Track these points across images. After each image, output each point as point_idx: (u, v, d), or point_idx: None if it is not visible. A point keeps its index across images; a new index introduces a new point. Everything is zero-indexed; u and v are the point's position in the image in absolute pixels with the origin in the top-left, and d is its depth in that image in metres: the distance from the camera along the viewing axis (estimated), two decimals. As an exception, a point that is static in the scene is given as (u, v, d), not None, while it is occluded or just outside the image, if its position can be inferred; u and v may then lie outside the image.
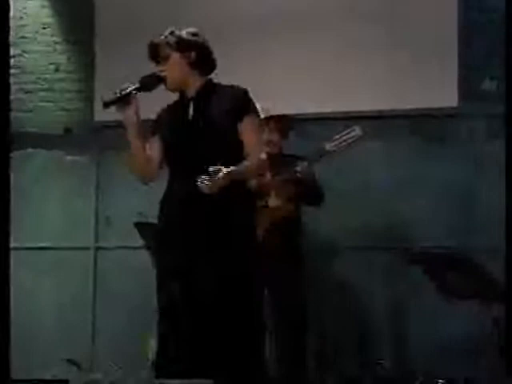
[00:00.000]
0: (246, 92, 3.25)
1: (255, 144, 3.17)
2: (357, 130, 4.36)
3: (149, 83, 3.16)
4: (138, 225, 4.67)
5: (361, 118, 4.90)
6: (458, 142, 5.25)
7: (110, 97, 3.06)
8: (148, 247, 4.64)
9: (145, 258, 5.20)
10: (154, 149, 3.22)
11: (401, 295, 5.19)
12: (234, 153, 3.16)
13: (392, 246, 5.20)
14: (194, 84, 3.21)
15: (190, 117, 3.23)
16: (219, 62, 3.32)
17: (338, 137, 4.34)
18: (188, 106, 3.24)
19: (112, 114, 5.60)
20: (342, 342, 5.20)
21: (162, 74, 3.18)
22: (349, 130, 4.36)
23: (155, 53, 3.22)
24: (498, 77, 5.05)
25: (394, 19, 5.28)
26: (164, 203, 3.25)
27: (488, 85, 5.18)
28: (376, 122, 5.08)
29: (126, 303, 5.50)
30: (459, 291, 4.32)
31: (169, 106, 3.34)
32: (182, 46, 3.19)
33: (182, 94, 3.26)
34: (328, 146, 4.31)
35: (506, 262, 3.28)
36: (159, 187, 5.43)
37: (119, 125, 5.64)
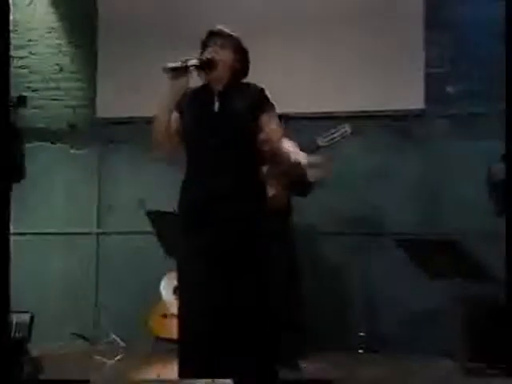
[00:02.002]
0: (263, 90, 3.34)
1: (279, 138, 3.30)
2: (346, 128, 4.57)
3: (205, 64, 3.24)
4: (149, 213, 4.82)
5: (338, 118, 5.14)
6: (424, 139, 5.60)
7: (174, 64, 3.15)
8: (158, 234, 4.80)
9: (143, 243, 5.64)
10: (175, 126, 3.26)
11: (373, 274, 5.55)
12: (251, 145, 3.26)
13: (366, 231, 5.53)
14: (223, 80, 3.29)
15: (217, 109, 3.27)
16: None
17: (329, 133, 4.52)
18: (214, 99, 3.28)
19: (112, 111, 6.09)
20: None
21: (218, 58, 3.24)
22: (339, 128, 4.56)
23: (222, 41, 3.30)
24: (458, 82, 5.49)
25: (368, 30, 5.56)
26: (186, 186, 3.27)
27: (450, 89, 5.54)
28: (352, 121, 5.11)
29: (125, 283, 5.76)
30: (440, 271, 4.57)
31: (193, 93, 3.33)
32: (239, 46, 3.33)
33: (208, 86, 3.31)
34: (320, 142, 4.49)
35: (506, 262, 3.48)
36: (157, 178, 5.88)
37: (119, 121, 6.11)
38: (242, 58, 3.36)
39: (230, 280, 3.14)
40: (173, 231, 4.34)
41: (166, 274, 5.40)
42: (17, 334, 4.24)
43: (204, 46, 3.32)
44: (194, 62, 3.17)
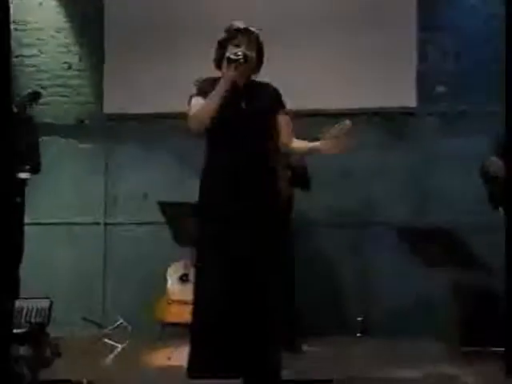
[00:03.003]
0: (278, 89, 3.52)
1: (290, 134, 3.46)
2: (347, 123, 4.85)
3: (246, 60, 3.31)
4: (161, 204, 4.91)
5: (337, 115, 5.04)
6: (416, 136, 5.82)
7: (233, 56, 3.26)
8: (169, 223, 4.94)
9: (147, 233, 5.92)
10: None
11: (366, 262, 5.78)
12: (270, 137, 3.43)
13: (361, 222, 5.75)
14: (246, 74, 3.41)
15: (244, 104, 3.41)
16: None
17: (330, 129, 4.83)
18: (241, 95, 3.42)
19: (119, 108, 6.24)
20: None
21: (251, 56, 3.36)
22: (341, 123, 4.85)
23: (248, 37, 3.40)
24: (448, 82, 5.73)
25: (362, 31, 5.73)
26: (208, 174, 3.41)
27: (440, 88, 5.78)
28: (349, 118, 5.37)
29: (130, 271, 5.96)
30: (436, 260, 4.74)
31: (212, 81, 3.40)
32: (259, 42, 3.45)
33: (233, 83, 3.38)
34: (322, 137, 4.78)
35: (506, 264, 3.59)
36: (160, 171, 6.02)
37: (124, 117, 6.24)
38: (260, 53, 3.48)
39: (250, 266, 3.28)
40: (183, 220, 4.73)
41: (171, 264, 5.60)
42: (37, 319, 4.32)
43: (228, 41, 3.41)
44: (248, 54, 3.31)
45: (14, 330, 3.99)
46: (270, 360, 3.38)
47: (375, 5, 5.83)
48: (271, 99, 3.49)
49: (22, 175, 4.29)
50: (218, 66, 3.48)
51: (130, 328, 5.73)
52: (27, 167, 4.46)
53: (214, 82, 3.41)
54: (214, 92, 3.31)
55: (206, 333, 3.33)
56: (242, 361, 3.31)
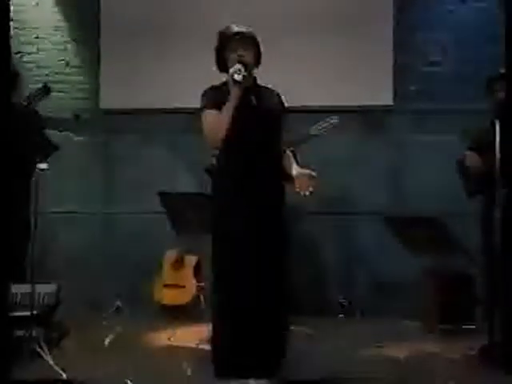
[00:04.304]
0: (279, 93, 3.69)
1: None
2: (334, 119, 4.96)
3: (246, 70, 3.47)
4: (161, 194, 5.01)
5: (321, 112, 5.49)
6: (393, 130, 6.09)
7: (238, 78, 3.40)
8: (168, 213, 5.03)
9: (142, 222, 6.11)
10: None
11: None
12: (279, 136, 3.60)
13: (343, 209, 6.02)
14: (249, 78, 3.54)
15: (254, 103, 3.55)
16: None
17: (320, 124, 4.94)
18: (250, 94, 3.54)
19: (113, 103, 6.36)
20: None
21: (246, 60, 3.48)
22: (328, 119, 4.97)
23: (244, 40, 3.51)
24: (422, 83, 6.00)
25: (348, 35, 5.96)
26: (223, 173, 3.54)
27: (415, 88, 6.05)
28: (333, 114, 5.32)
29: (128, 258, 6.14)
30: (421, 247, 4.92)
31: (218, 89, 3.54)
32: (257, 43, 3.57)
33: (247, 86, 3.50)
34: (312, 131, 4.93)
35: (505, 268, 3.65)
36: (151, 163, 6.18)
37: (119, 112, 6.34)
38: (258, 51, 3.61)
39: (265, 253, 3.48)
40: (181, 209, 4.86)
41: (166, 251, 5.88)
42: (47, 302, 4.51)
43: (226, 43, 3.53)
44: (247, 62, 3.48)
45: (26, 313, 4.29)
46: (284, 344, 3.61)
47: (355, 7, 6.03)
48: (278, 100, 3.67)
49: (42, 166, 4.36)
50: (221, 70, 3.62)
51: (127, 311, 5.96)
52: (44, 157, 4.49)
53: (218, 89, 3.57)
54: (224, 110, 3.43)
55: (236, 331, 3.46)
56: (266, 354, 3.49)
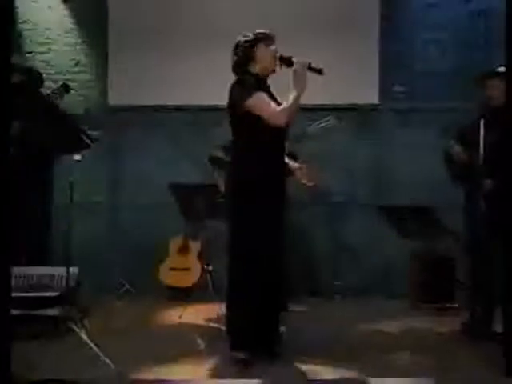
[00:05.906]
0: None
1: None
2: (331, 118, 5.18)
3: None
4: (171, 186, 5.34)
5: (313, 110, 5.64)
6: (378, 127, 6.39)
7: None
8: (178, 201, 5.37)
9: (148, 211, 6.39)
10: None
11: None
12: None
13: (334, 200, 6.34)
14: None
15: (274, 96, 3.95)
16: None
17: (317, 123, 5.16)
18: (270, 88, 3.98)
19: (121, 99, 6.56)
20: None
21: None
22: (325, 119, 5.20)
23: (273, 42, 3.93)
24: (405, 83, 6.33)
25: (332, 37, 6.20)
26: (260, 168, 3.80)
27: (398, 89, 6.33)
28: (323, 112, 5.67)
29: (135, 245, 6.43)
30: (413, 233, 5.23)
31: (247, 81, 3.87)
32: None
33: (266, 78, 3.93)
34: (309, 130, 5.15)
35: (505, 269, 3.67)
36: (156, 156, 6.50)
37: (127, 108, 6.53)
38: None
39: (283, 236, 3.92)
40: (191, 198, 5.20)
41: (171, 238, 6.21)
42: (69, 284, 4.65)
43: (260, 42, 3.91)
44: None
45: (49, 293, 4.66)
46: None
47: (343, 8, 6.31)
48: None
49: (76, 157, 4.59)
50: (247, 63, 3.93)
51: (134, 292, 6.26)
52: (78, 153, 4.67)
53: (255, 80, 3.90)
54: (296, 93, 3.79)
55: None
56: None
